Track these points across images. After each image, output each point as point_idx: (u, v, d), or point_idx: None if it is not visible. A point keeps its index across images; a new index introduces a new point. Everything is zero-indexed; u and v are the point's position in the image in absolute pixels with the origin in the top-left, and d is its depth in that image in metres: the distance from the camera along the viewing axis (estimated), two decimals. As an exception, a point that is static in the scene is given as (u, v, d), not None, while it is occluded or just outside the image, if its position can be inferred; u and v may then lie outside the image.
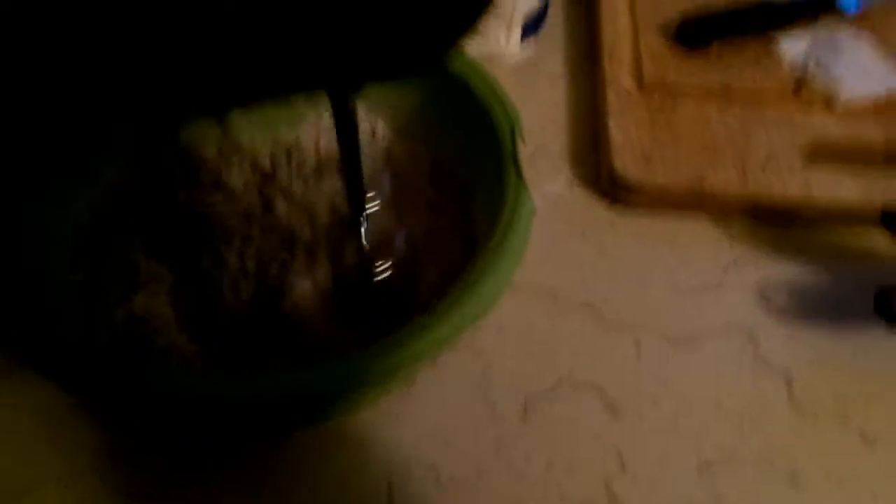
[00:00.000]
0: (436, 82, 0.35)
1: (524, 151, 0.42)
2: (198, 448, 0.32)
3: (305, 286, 0.34)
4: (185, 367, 0.30)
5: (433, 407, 0.33)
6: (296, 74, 0.22)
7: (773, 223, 0.40)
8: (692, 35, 0.46)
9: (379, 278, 0.34)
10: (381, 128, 0.38)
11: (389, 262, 0.34)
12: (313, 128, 0.38)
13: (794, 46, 0.45)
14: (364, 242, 0.33)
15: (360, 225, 0.33)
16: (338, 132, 0.28)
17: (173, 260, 0.34)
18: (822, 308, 0.37)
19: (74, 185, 0.32)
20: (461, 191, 0.35)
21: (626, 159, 0.40)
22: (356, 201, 0.32)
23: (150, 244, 0.34)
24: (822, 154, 0.41)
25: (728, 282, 0.38)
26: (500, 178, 0.31)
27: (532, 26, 0.47)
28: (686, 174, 0.40)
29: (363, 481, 0.31)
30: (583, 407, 0.34)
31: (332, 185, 0.37)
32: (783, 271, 0.38)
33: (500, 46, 0.47)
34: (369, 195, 0.36)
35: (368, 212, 0.35)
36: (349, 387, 0.25)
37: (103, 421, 0.32)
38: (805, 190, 0.39)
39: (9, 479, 0.31)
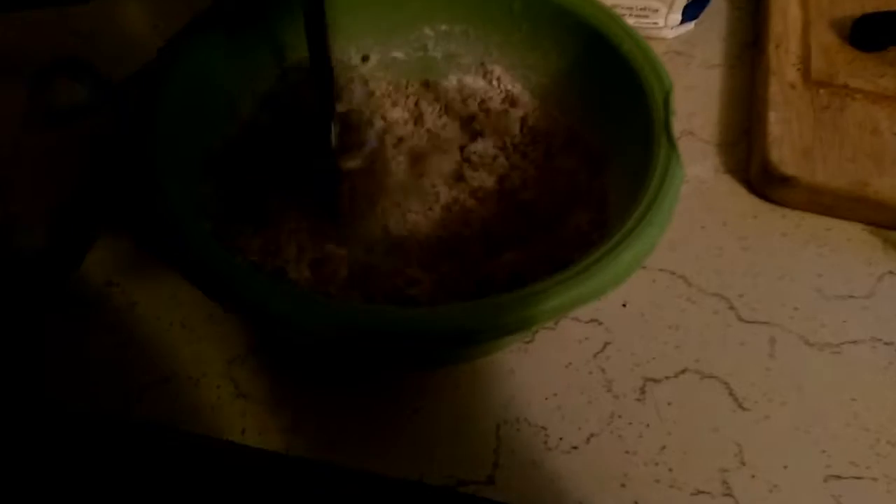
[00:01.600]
0: (584, 45, 0.34)
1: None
2: (327, 370, 0.33)
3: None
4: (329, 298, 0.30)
5: (549, 369, 0.33)
6: None
7: (939, 239, 0.37)
8: (868, 35, 0.43)
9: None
10: (518, 90, 0.37)
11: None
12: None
13: None
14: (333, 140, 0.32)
15: (329, 124, 0.32)
16: (309, 32, 0.28)
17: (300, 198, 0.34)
18: None
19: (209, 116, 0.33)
20: (596, 158, 0.34)
21: (784, 152, 0.38)
22: (325, 96, 0.31)
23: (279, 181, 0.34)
24: None
25: (880, 292, 0.35)
26: (646, 146, 0.29)
27: (695, 8, 0.45)
28: (848, 176, 0.37)
29: (470, 429, 0.31)
30: (706, 397, 0.32)
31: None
32: (944, 291, 0.35)
33: (658, 26, 0.46)
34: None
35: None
36: (490, 330, 0.25)
37: (241, 330, 0.33)
38: (980, 208, 0.36)
39: (143, 370, 0.32)
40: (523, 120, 0.37)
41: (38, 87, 0.34)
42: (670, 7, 0.45)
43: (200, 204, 0.30)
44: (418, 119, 0.38)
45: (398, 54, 0.37)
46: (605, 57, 0.33)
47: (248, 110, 0.34)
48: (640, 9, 0.45)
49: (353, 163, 0.33)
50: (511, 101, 0.38)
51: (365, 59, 0.37)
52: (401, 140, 0.37)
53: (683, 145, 0.41)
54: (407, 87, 0.38)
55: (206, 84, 0.32)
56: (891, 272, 0.36)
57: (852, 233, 0.37)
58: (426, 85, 0.38)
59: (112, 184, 0.37)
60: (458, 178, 0.36)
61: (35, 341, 0.33)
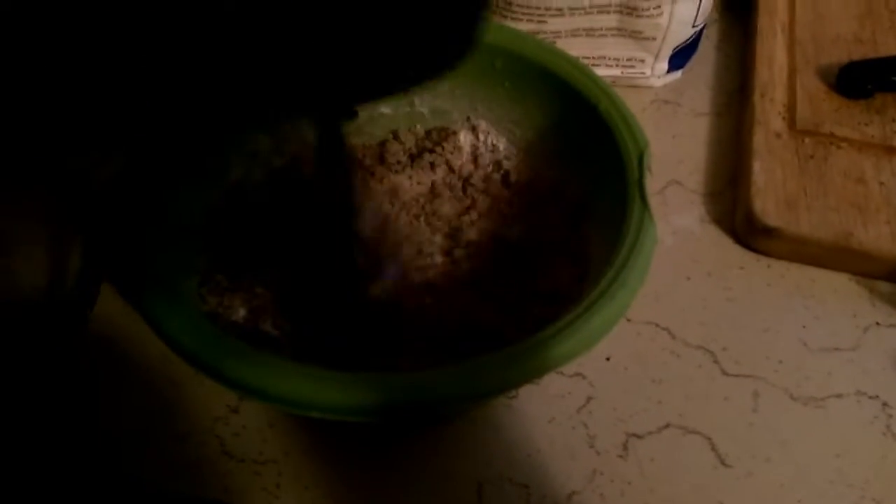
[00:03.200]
0: (564, 102, 0.35)
1: (656, 183, 0.42)
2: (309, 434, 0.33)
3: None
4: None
5: (532, 425, 0.33)
6: (286, 95, 0.21)
7: (925, 290, 0.37)
8: (855, 82, 0.43)
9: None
10: (503, 145, 0.38)
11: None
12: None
13: (971, 105, 0.42)
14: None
15: (354, 256, 0.32)
16: (322, 160, 0.26)
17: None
18: (972, 389, 0.33)
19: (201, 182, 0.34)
20: (576, 212, 0.35)
21: (768, 202, 0.38)
22: (345, 246, 0.31)
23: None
24: None
25: (866, 345, 0.35)
26: (622, 203, 0.30)
27: (681, 57, 0.46)
28: (833, 227, 0.37)
29: (455, 490, 0.31)
30: (688, 454, 0.32)
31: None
32: (931, 343, 0.35)
33: (645, 76, 0.46)
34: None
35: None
36: (467, 394, 0.25)
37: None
38: (966, 258, 0.36)
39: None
40: (507, 174, 0.38)
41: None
42: (656, 57, 0.45)
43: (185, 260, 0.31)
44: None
45: (385, 109, 0.38)
46: (584, 115, 0.34)
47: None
48: (627, 59, 0.46)
49: (378, 290, 0.33)
50: (496, 154, 0.38)
51: (353, 114, 0.38)
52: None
53: (670, 195, 0.41)
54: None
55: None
56: (877, 323, 0.36)
57: (838, 283, 0.37)
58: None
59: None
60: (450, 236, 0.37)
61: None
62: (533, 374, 0.26)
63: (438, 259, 0.35)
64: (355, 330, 0.31)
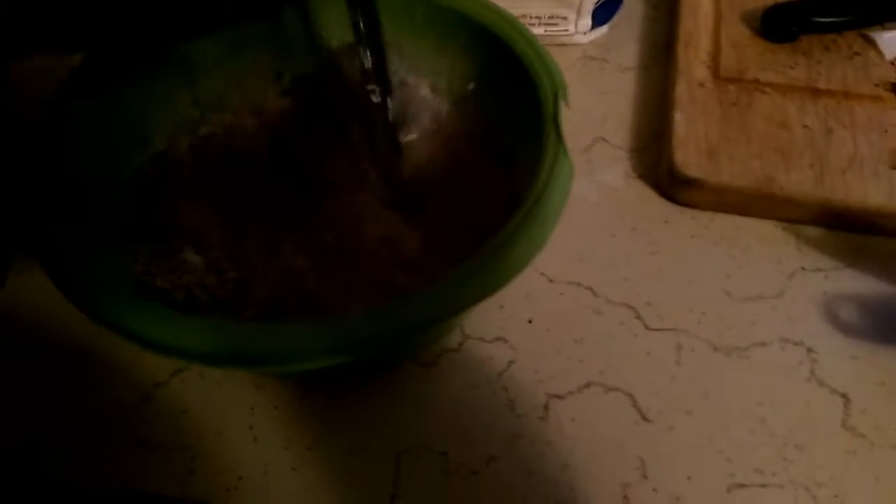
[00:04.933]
0: (484, 48, 0.34)
1: (582, 140, 0.41)
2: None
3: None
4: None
5: (452, 393, 0.32)
6: None
7: (849, 231, 0.36)
8: (779, 26, 0.42)
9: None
10: (431, 96, 0.37)
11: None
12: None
13: (893, 43, 0.41)
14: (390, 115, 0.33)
15: (386, 100, 0.33)
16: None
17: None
18: (895, 328, 0.33)
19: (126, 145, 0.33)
20: (506, 156, 0.34)
21: (689, 153, 0.37)
22: (381, 74, 0.32)
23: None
24: (916, 160, 0.37)
25: (790, 291, 0.34)
26: (539, 139, 0.29)
27: (605, 13, 0.45)
28: (754, 173, 0.36)
29: (367, 459, 0.31)
30: (609, 411, 0.32)
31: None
32: (855, 285, 0.34)
33: (569, 33, 0.45)
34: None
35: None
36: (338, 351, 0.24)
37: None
38: (890, 198, 0.35)
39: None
40: (438, 122, 0.37)
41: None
42: (578, 13, 0.44)
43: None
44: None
45: (309, 70, 0.37)
46: (504, 59, 0.33)
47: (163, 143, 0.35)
48: (549, 17, 0.45)
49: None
50: (426, 106, 0.37)
51: (279, 77, 0.37)
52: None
53: (596, 152, 0.41)
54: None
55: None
56: (802, 268, 0.35)
57: (763, 231, 0.37)
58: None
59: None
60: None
61: None
62: (448, 312, 0.25)
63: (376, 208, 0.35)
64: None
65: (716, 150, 0.37)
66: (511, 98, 0.33)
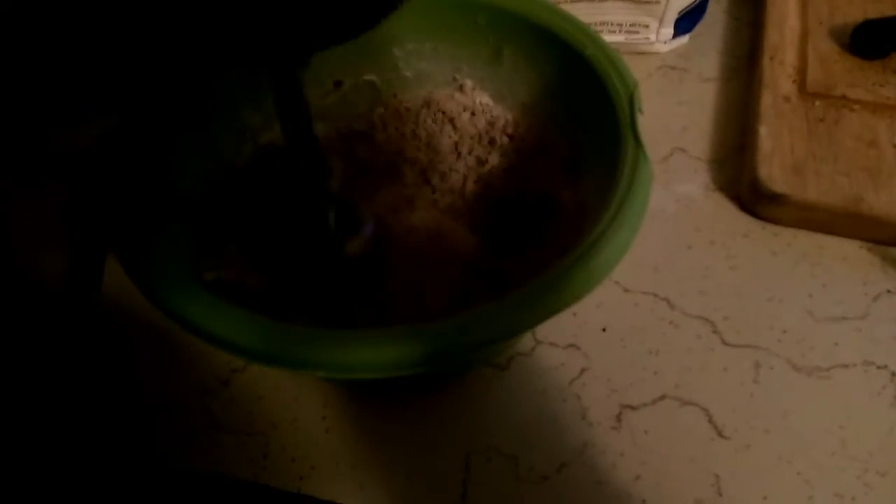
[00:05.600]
0: (551, 53, 0.34)
1: (660, 150, 0.41)
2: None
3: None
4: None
5: (523, 396, 0.32)
6: (234, 46, 0.20)
7: (940, 256, 0.35)
8: (869, 42, 0.41)
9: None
10: (491, 102, 0.37)
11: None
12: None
13: None
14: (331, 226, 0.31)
15: (326, 214, 0.30)
16: (283, 116, 0.25)
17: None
18: None
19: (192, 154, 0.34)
20: (571, 164, 0.34)
21: (774, 168, 0.37)
22: (316, 189, 0.29)
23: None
24: None
25: (875, 313, 0.33)
26: (615, 146, 0.29)
27: (687, 22, 0.44)
28: (842, 192, 0.36)
29: (438, 459, 0.31)
30: (684, 425, 0.31)
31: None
32: (945, 311, 0.33)
33: (650, 41, 0.45)
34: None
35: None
36: (477, 342, 0.25)
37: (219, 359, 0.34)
38: (985, 223, 0.34)
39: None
40: (499, 131, 0.37)
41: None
42: (661, 21, 0.44)
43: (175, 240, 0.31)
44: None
45: (371, 77, 0.38)
46: (571, 64, 0.33)
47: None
48: (630, 25, 0.44)
49: (354, 247, 0.32)
50: (485, 113, 0.38)
51: (338, 84, 0.38)
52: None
53: (674, 162, 0.40)
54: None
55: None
56: (888, 291, 0.34)
57: (848, 251, 0.36)
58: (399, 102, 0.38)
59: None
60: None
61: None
62: (533, 320, 0.24)
63: (433, 212, 0.35)
64: (336, 287, 0.31)
65: (802, 166, 0.37)
66: (579, 104, 0.33)
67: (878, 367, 0.32)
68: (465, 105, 0.38)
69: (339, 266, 0.31)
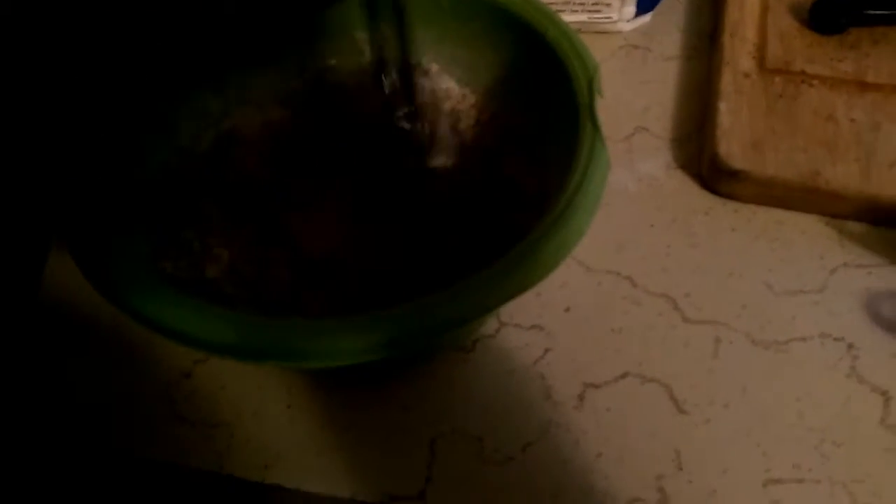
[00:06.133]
0: (514, 36, 0.34)
1: (622, 130, 0.41)
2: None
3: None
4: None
5: (488, 378, 0.32)
6: None
7: (894, 228, 0.35)
8: (828, 17, 0.41)
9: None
10: (456, 87, 0.37)
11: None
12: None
13: (948, 35, 0.40)
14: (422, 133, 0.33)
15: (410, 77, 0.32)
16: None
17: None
18: (941, 328, 0.32)
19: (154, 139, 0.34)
20: (534, 147, 0.34)
21: (733, 144, 0.37)
22: (410, 98, 0.31)
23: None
24: (967, 157, 0.36)
25: (833, 286, 0.34)
26: (574, 130, 0.29)
27: (648, 1, 0.44)
28: (799, 167, 0.36)
29: (403, 442, 0.31)
30: (646, 402, 0.32)
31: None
32: (900, 283, 0.34)
33: (612, 20, 0.45)
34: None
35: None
36: (409, 338, 0.25)
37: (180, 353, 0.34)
38: (939, 195, 0.34)
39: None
40: (461, 115, 0.37)
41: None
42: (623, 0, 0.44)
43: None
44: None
45: (333, 62, 0.37)
46: (533, 47, 0.33)
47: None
48: (592, 3, 0.44)
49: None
50: (450, 98, 0.37)
51: (301, 70, 0.37)
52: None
53: (636, 142, 0.40)
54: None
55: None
56: (845, 264, 0.35)
57: (806, 225, 0.36)
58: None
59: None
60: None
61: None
62: (488, 307, 0.25)
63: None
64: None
65: (761, 142, 0.37)
66: (541, 89, 0.33)
67: (835, 339, 0.32)
68: (430, 89, 0.37)
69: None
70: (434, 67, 0.37)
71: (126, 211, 0.30)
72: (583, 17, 0.45)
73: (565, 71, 0.31)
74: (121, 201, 0.30)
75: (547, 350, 0.33)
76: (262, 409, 0.32)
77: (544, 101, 0.33)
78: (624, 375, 0.32)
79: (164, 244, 0.32)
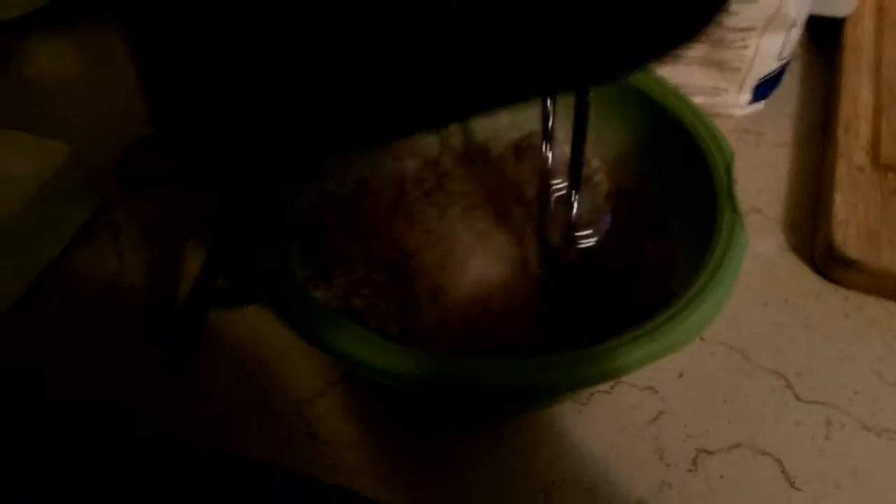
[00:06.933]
0: (649, 118, 0.36)
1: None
2: (389, 421, 0.35)
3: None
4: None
5: (601, 432, 0.34)
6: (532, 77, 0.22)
7: None
8: (943, 122, 0.43)
9: (585, 244, 0.35)
10: (597, 162, 0.39)
11: (592, 235, 0.35)
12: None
13: None
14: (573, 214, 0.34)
15: (573, 200, 0.33)
16: (576, 118, 0.29)
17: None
18: None
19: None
20: (661, 229, 0.36)
21: (849, 234, 0.38)
22: (576, 176, 0.33)
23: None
24: None
25: (945, 382, 0.35)
26: (711, 213, 0.31)
27: (765, 88, 0.47)
28: (914, 262, 0.37)
29: (520, 484, 0.32)
30: (758, 474, 0.32)
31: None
32: None
33: (728, 105, 0.47)
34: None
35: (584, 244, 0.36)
36: (550, 387, 0.26)
37: (311, 373, 0.36)
38: None
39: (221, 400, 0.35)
40: (595, 189, 0.39)
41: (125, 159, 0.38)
42: (740, 87, 0.46)
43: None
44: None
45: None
46: (670, 130, 0.35)
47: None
48: (711, 88, 0.47)
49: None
50: (588, 166, 0.39)
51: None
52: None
53: (750, 222, 0.42)
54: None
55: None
56: (957, 362, 0.36)
57: (918, 319, 0.37)
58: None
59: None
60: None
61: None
62: (632, 366, 0.26)
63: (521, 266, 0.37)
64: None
65: (876, 235, 0.38)
66: (673, 168, 0.35)
67: (947, 434, 0.33)
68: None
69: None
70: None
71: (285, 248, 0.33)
72: (700, 100, 0.47)
73: (702, 155, 0.33)
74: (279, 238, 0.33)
75: (660, 412, 0.34)
76: (389, 435, 0.34)
77: (673, 179, 0.35)
78: (737, 446, 0.33)
79: (315, 276, 0.35)
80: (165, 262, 0.39)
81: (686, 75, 0.46)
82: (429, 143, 0.40)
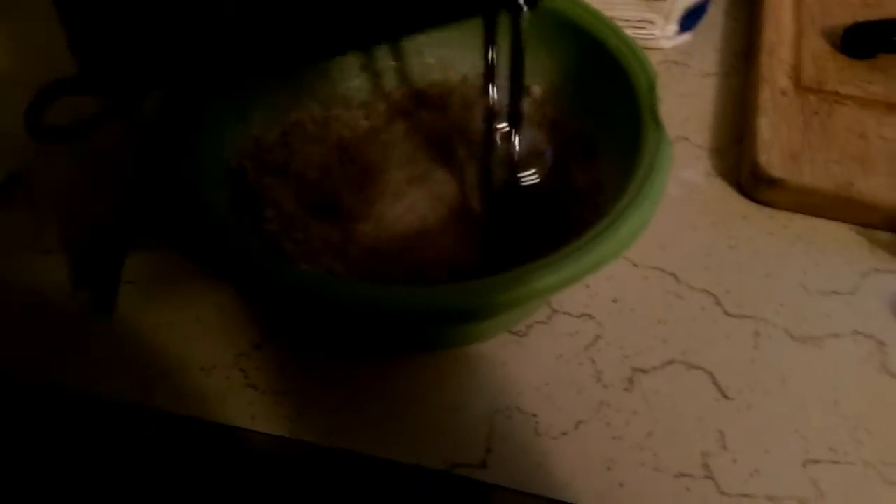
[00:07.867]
0: (574, 45, 0.36)
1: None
2: (329, 361, 0.35)
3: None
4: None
5: (540, 361, 0.35)
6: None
7: (923, 238, 0.38)
8: (858, 43, 0.44)
9: (527, 182, 0.35)
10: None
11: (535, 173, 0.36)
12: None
13: (972, 63, 0.43)
14: (516, 151, 0.34)
15: (514, 135, 0.34)
16: (513, 48, 0.30)
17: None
18: (965, 329, 0.35)
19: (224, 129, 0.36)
20: (590, 150, 0.36)
21: (773, 155, 0.39)
22: (515, 110, 0.33)
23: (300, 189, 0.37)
24: None
25: (863, 289, 0.36)
26: (637, 130, 0.31)
27: (689, 20, 0.47)
28: (834, 178, 0.39)
29: (465, 416, 0.33)
30: (690, 387, 0.34)
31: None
32: (927, 288, 0.36)
33: (655, 37, 0.48)
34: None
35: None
36: (484, 308, 0.27)
37: (249, 325, 0.36)
38: (963, 208, 0.37)
39: (158, 362, 0.35)
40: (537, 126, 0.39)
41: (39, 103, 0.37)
42: (666, 19, 0.46)
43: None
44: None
45: (392, 62, 0.40)
46: (594, 54, 0.35)
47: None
48: (637, 21, 0.47)
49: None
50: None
51: (364, 67, 0.40)
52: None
53: (678, 150, 0.43)
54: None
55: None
56: (876, 269, 0.37)
57: (839, 233, 0.39)
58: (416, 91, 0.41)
59: (145, 196, 0.40)
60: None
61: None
62: (563, 284, 0.27)
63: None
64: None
65: (798, 154, 0.39)
66: (600, 92, 0.36)
67: (866, 337, 0.35)
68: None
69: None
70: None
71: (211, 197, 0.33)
72: (627, 33, 0.47)
73: (627, 76, 0.34)
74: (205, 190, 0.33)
75: (597, 337, 0.35)
76: (327, 379, 0.34)
77: (600, 103, 0.36)
78: (670, 362, 0.34)
79: (246, 222, 0.34)
80: (86, 217, 0.39)
81: (613, 8, 0.46)
82: (358, 87, 0.40)
